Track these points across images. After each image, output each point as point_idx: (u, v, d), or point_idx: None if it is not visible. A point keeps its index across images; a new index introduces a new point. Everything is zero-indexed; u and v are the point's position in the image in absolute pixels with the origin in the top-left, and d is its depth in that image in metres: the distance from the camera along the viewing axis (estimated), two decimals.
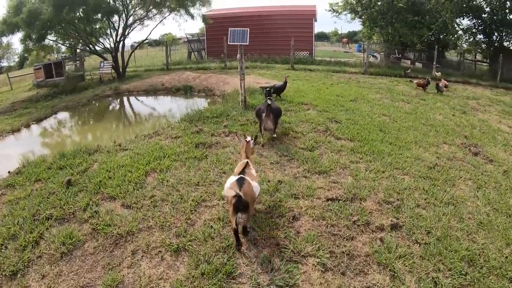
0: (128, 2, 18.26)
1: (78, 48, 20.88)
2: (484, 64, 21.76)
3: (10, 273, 3.54)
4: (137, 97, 14.59)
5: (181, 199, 4.64)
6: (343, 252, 3.63)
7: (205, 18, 20.60)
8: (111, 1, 17.71)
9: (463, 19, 19.81)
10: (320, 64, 19.48)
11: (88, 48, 19.61)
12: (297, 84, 11.70)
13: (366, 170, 5.36)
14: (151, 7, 18.12)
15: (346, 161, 5.65)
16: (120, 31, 18.84)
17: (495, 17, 18.28)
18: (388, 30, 20.40)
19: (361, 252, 3.65)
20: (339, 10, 21.94)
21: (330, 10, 22.31)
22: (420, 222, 4.17)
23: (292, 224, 4.04)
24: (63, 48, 23.24)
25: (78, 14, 17.33)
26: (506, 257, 3.72)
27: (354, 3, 20.99)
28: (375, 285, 3.28)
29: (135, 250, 3.78)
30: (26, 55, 19.92)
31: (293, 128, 7.10)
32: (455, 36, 20.55)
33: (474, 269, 3.53)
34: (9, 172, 5.99)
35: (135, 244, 3.86)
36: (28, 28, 15.72)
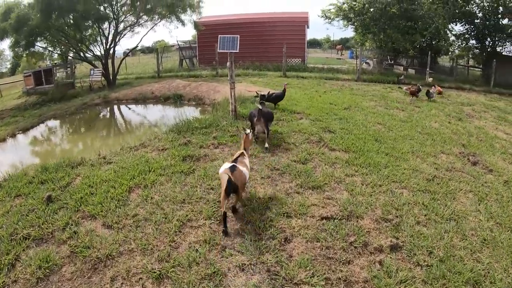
0: (118, 9, 17.97)
1: (69, 56, 20.52)
2: (477, 69, 21.76)
3: None
4: (126, 106, 14.25)
5: (165, 218, 4.31)
6: (340, 278, 3.33)
7: (196, 25, 20.36)
8: (102, 8, 17.42)
9: (456, 24, 19.83)
10: (313, 71, 19.29)
11: (78, 55, 19.25)
12: (290, 92, 11.40)
13: (362, 184, 5.08)
14: (141, 14, 17.83)
15: (341, 174, 5.36)
16: (110, 38, 18.55)
17: (487, 23, 18.28)
18: (381, 37, 20.31)
19: (359, 278, 3.35)
20: (332, 17, 21.82)
21: (322, 17, 22.20)
22: (421, 241, 3.88)
23: (284, 247, 3.73)
24: (56, 55, 22.90)
25: (67, 20, 17.03)
26: None
27: (347, 9, 20.89)
28: None
29: (114, 276, 3.46)
30: (18, 61, 19.56)
31: (285, 139, 6.81)
32: (448, 42, 20.54)
33: None
34: None
35: (115, 269, 3.54)
36: (17, 33, 15.42)
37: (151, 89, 14.60)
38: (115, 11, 17.82)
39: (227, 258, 3.58)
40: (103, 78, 18.83)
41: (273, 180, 5.16)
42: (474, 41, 19.82)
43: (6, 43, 17.98)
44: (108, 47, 18.72)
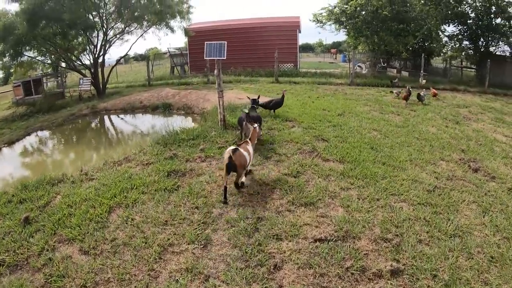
0: (106, 17, 17.60)
1: (59, 65, 20.11)
2: (471, 70, 21.60)
3: None
4: (114, 116, 13.82)
5: (146, 243, 3.96)
6: None
7: (186, 31, 20.02)
8: (90, 16, 17.01)
9: (449, 25, 19.64)
10: (305, 76, 18.98)
11: (67, 64, 18.85)
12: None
13: (359, 199, 4.72)
14: (129, 22, 17.47)
15: (336, 188, 5.01)
16: (99, 46, 18.15)
17: (480, 23, 18.10)
18: (374, 40, 20.08)
19: None
20: (324, 21, 21.58)
21: (314, 21, 21.96)
22: (424, 263, 3.53)
23: (274, 275, 3.36)
24: (46, 64, 22.46)
25: (54, 29, 16.63)
26: None
27: (339, 13, 20.66)
28: None
29: None
30: (11, 71, 19.16)
31: (276, 149, 6.45)
32: (441, 43, 20.35)
33: None
34: None
35: None
36: (3, 43, 15.02)
37: (139, 99, 14.19)
38: (103, 19, 17.44)
39: None
40: (92, 88, 18.39)
41: (262, 196, 4.79)
42: (467, 42, 19.62)
43: None
44: (96, 55, 18.32)
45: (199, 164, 6.01)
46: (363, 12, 19.53)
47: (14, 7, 15.81)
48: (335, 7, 20.82)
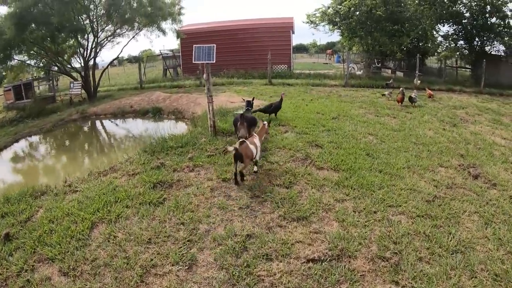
0: (96, 19, 17.25)
1: (50, 69, 19.73)
2: (466, 69, 21.48)
3: None
4: (104, 121, 13.49)
5: (127, 264, 3.67)
6: None
7: (178, 33, 19.71)
8: (78, 19, 16.66)
9: (444, 25, 19.49)
10: (299, 78, 18.72)
11: (58, 68, 18.49)
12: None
13: (355, 212, 4.45)
14: (118, 25, 17.14)
15: (330, 199, 4.73)
16: (89, 49, 17.80)
17: (475, 22, 17.95)
18: (368, 40, 19.87)
19: None
20: (317, 22, 21.33)
21: (307, 22, 21.71)
22: (425, 284, 3.27)
23: None
24: (37, 68, 22.08)
25: (43, 33, 16.27)
26: None
27: (332, 13, 20.42)
28: None
29: None
30: (3, 74, 18.80)
31: (268, 157, 6.16)
32: (435, 43, 20.20)
33: None
34: None
35: None
36: None
37: (130, 103, 13.85)
38: (93, 22, 17.09)
39: None
40: (83, 91, 18.04)
41: (252, 210, 4.50)
42: (462, 42, 19.47)
43: None
44: (87, 58, 17.97)
45: (187, 174, 5.72)
46: (357, 13, 19.32)
47: (3, 10, 15.46)
48: (328, 7, 20.59)
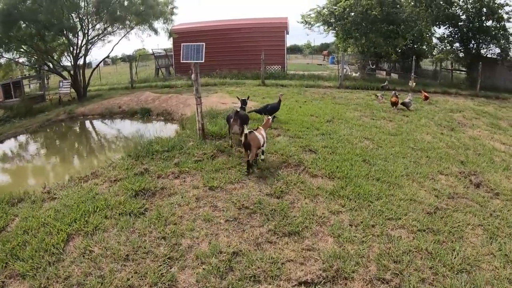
0: (84, 18, 16.76)
1: (40, 68, 19.22)
2: (460, 72, 21.33)
3: None
4: (91, 122, 13.03)
5: (102, 284, 3.29)
6: None
7: (171, 33, 19.30)
8: (67, 17, 16.16)
9: (439, 27, 19.30)
10: (293, 79, 18.38)
11: (47, 66, 17.98)
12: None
13: (351, 225, 4.09)
14: (108, 24, 16.69)
15: (325, 211, 4.37)
16: (79, 48, 17.30)
17: (471, 25, 17.76)
18: (363, 41, 19.59)
19: None
20: (312, 22, 21.01)
21: (302, 22, 21.38)
22: None
23: None
24: (28, 66, 21.56)
25: (30, 30, 15.78)
26: None
27: (327, 14, 20.12)
28: None
29: None
30: None
31: (259, 163, 5.80)
32: (431, 45, 20.01)
33: None
34: None
35: None
36: None
37: (118, 103, 13.40)
38: (82, 19, 16.61)
39: None
40: (72, 90, 17.54)
41: (240, 223, 4.13)
42: (458, 44, 19.28)
43: None
44: (76, 57, 17.46)
45: (171, 181, 5.34)
46: (352, 14, 19.03)
47: None
48: (323, 8, 20.29)
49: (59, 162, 8.90)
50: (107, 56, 21.62)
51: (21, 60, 18.27)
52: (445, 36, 19.38)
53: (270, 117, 6.39)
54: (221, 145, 6.66)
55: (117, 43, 42.44)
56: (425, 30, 17.96)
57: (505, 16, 17.24)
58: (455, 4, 17.94)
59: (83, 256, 3.72)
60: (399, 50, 19.95)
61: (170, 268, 3.46)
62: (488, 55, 18.91)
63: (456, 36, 18.93)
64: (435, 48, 20.18)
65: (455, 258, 3.65)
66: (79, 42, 17.11)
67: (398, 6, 18.44)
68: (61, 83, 17.87)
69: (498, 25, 17.62)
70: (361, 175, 5.44)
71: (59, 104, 16.52)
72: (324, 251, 3.60)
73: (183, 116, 10.25)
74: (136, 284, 3.28)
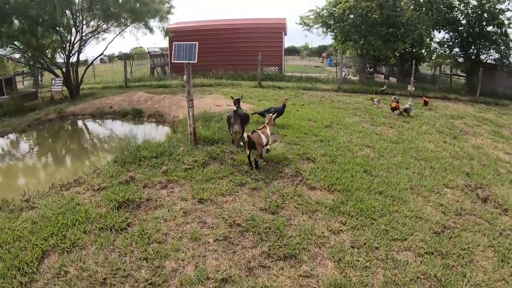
0: (78, 14, 16.30)
1: (34, 65, 18.74)
2: (459, 77, 21.11)
3: None
4: (81, 122, 12.57)
5: None
6: None
7: (167, 32, 18.88)
8: (59, 13, 15.68)
9: (440, 32, 19.01)
10: (290, 81, 18.00)
11: (39, 63, 17.51)
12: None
13: (353, 247, 3.72)
14: (102, 20, 16.25)
15: (324, 230, 4.00)
16: (72, 45, 16.82)
17: (471, 30, 17.50)
18: (361, 43, 19.26)
19: None
20: (310, 24, 20.66)
21: (300, 24, 21.03)
22: None
23: None
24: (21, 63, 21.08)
25: (21, 26, 15.32)
26: None
27: (326, 15, 19.77)
28: None
29: None
30: None
31: (253, 172, 5.42)
32: (430, 49, 19.75)
33: None
34: None
35: None
36: None
37: (110, 103, 12.96)
38: (75, 16, 16.15)
39: None
40: (65, 88, 17.08)
41: (230, 243, 3.74)
42: (457, 49, 19.02)
43: None
44: (68, 54, 16.99)
45: (158, 191, 4.94)
46: (351, 16, 18.69)
47: None
48: (322, 9, 19.94)
49: (44, 166, 8.48)
50: (101, 54, 21.10)
51: (16, 56, 17.82)
52: (445, 40, 19.12)
53: (271, 114, 6.46)
54: (213, 151, 6.27)
55: (111, 41, 41.82)
56: (425, 34, 17.65)
57: (506, 22, 17.00)
58: (456, 9, 17.67)
59: (57, 277, 3.34)
60: (397, 54, 19.65)
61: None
62: (488, 61, 18.69)
63: (456, 41, 18.67)
64: (435, 53, 19.88)
65: (466, 285, 3.30)
66: (72, 39, 16.68)
67: (398, 9, 18.13)
68: (53, 81, 17.43)
69: (498, 31, 17.39)
70: (363, 187, 5.07)
71: (51, 103, 16.07)
72: (324, 278, 3.23)
73: (175, 118, 9.83)
74: None
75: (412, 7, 18.37)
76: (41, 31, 15.76)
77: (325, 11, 19.81)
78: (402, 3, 18.64)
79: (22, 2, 14.25)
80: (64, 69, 16.95)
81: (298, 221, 4.14)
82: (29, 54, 17.05)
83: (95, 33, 17.49)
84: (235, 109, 6.83)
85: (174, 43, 6.41)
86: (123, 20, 17.00)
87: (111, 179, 5.42)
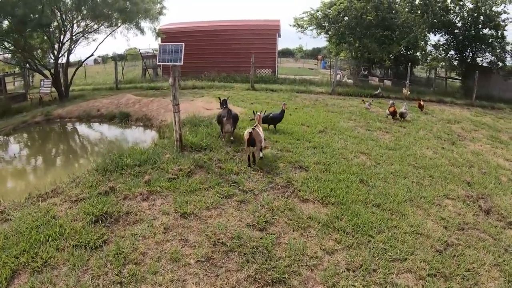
0: (67, 14, 15.85)
1: (23, 66, 18.28)
2: (454, 80, 20.97)
3: None
4: (67, 126, 12.12)
5: None
6: None
7: (158, 33, 18.49)
8: (49, 11, 15.20)
9: (435, 35, 18.83)
10: (284, 83, 17.68)
11: (28, 64, 17.05)
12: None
13: (348, 270, 3.37)
14: (90, 20, 15.83)
15: (317, 249, 3.64)
16: (60, 45, 16.36)
17: (467, 33, 17.32)
18: (356, 45, 18.99)
19: None
20: (305, 25, 20.37)
21: (295, 26, 20.74)
22: None
23: None
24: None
25: (8, 25, 14.87)
26: None
27: (320, 17, 19.49)
28: None
29: None
30: None
31: (241, 182, 5.06)
32: (425, 51, 19.55)
33: None
34: None
35: None
36: None
37: (97, 106, 12.52)
38: (62, 15, 15.70)
39: None
40: (53, 89, 16.63)
41: (213, 265, 3.38)
42: (453, 52, 18.83)
43: None
44: (57, 55, 16.54)
45: (139, 204, 4.56)
46: (346, 18, 18.42)
47: None
48: (317, 11, 19.65)
49: (25, 172, 8.06)
50: (91, 55, 20.63)
51: (8, 56, 17.37)
52: (441, 43, 18.96)
53: (259, 113, 6.64)
54: (200, 158, 5.90)
55: (101, 42, 41.43)
56: (420, 37, 17.44)
57: (503, 24, 16.85)
58: (452, 11, 17.49)
59: None
60: (392, 56, 19.43)
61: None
62: (483, 64, 18.54)
63: (452, 43, 18.49)
64: (430, 55, 19.68)
65: None
66: (61, 38, 16.23)
67: (393, 11, 17.90)
68: (42, 82, 17.00)
69: (494, 33, 17.24)
70: (359, 200, 4.73)
71: (39, 104, 15.63)
72: None
73: (163, 122, 9.42)
74: None
75: (407, 9, 18.18)
76: (29, 31, 15.32)
77: (319, 12, 19.54)
78: (397, 5, 18.43)
79: (8, 1, 13.81)
80: (52, 70, 16.51)
81: (288, 239, 3.78)
82: (15, 55, 16.63)
83: (84, 33, 17.07)
84: (228, 108, 6.83)
85: (159, 44, 6.06)
86: (114, 20, 16.61)
87: (90, 189, 5.03)
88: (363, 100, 12.30)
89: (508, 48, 17.46)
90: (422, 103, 12.47)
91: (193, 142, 6.54)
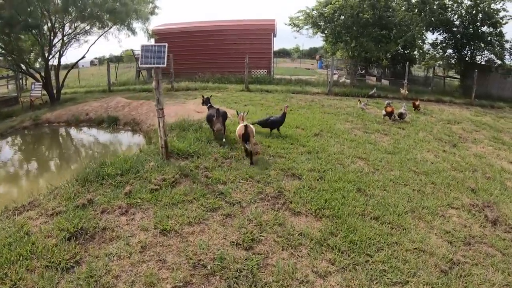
0: (55, 16, 15.43)
1: (14, 69, 17.89)
2: (452, 79, 20.68)
3: None
4: (55, 131, 11.71)
5: None
6: None
7: (151, 34, 18.11)
8: (40, 12, 14.78)
9: (433, 33, 18.49)
10: (279, 84, 17.34)
11: (18, 67, 16.64)
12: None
13: None
14: (78, 22, 15.44)
15: (308, 271, 3.26)
16: (50, 47, 15.95)
17: (465, 31, 16.99)
18: (352, 45, 18.64)
19: None
20: (300, 25, 20.01)
21: (290, 25, 20.36)
22: None
23: None
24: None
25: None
26: None
27: (316, 16, 19.12)
28: None
29: None
30: None
31: (228, 193, 4.67)
32: (422, 50, 19.23)
33: None
34: None
35: None
36: None
37: (86, 110, 12.10)
38: (51, 18, 15.29)
39: None
40: (44, 92, 16.23)
41: None
42: (451, 50, 18.52)
43: None
44: (47, 57, 16.12)
45: (117, 218, 4.18)
46: (342, 17, 18.08)
47: None
48: (313, 10, 19.29)
49: (5, 181, 7.65)
50: (83, 57, 20.18)
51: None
52: (439, 42, 18.62)
53: (241, 113, 6.41)
54: (186, 166, 5.52)
55: (93, 43, 41.03)
56: (417, 36, 17.11)
57: (501, 21, 16.54)
58: (450, 9, 17.16)
59: None
60: (389, 56, 19.11)
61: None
62: (482, 62, 18.24)
63: (450, 42, 18.16)
64: (427, 54, 19.35)
65: None
66: (51, 40, 15.82)
67: (390, 10, 17.57)
68: (33, 85, 16.67)
69: (493, 31, 16.93)
70: (356, 212, 4.34)
71: (30, 108, 15.28)
72: None
73: (151, 127, 9.01)
74: None
75: (404, 7, 17.86)
76: (16, 33, 14.91)
77: (315, 11, 19.18)
78: (394, 3, 18.10)
79: None
80: (43, 73, 16.11)
81: (276, 260, 3.38)
82: (9, 58, 16.22)
83: (75, 35, 16.68)
84: (217, 108, 6.90)
85: (141, 44, 5.66)
86: (107, 22, 16.22)
87: (67, 201, 4.64)
88: (359, 100, 11.98)
89: (507, 46, 17.18)
90: (417, 103, 12.09)
91: (180, 148, 6.15)
